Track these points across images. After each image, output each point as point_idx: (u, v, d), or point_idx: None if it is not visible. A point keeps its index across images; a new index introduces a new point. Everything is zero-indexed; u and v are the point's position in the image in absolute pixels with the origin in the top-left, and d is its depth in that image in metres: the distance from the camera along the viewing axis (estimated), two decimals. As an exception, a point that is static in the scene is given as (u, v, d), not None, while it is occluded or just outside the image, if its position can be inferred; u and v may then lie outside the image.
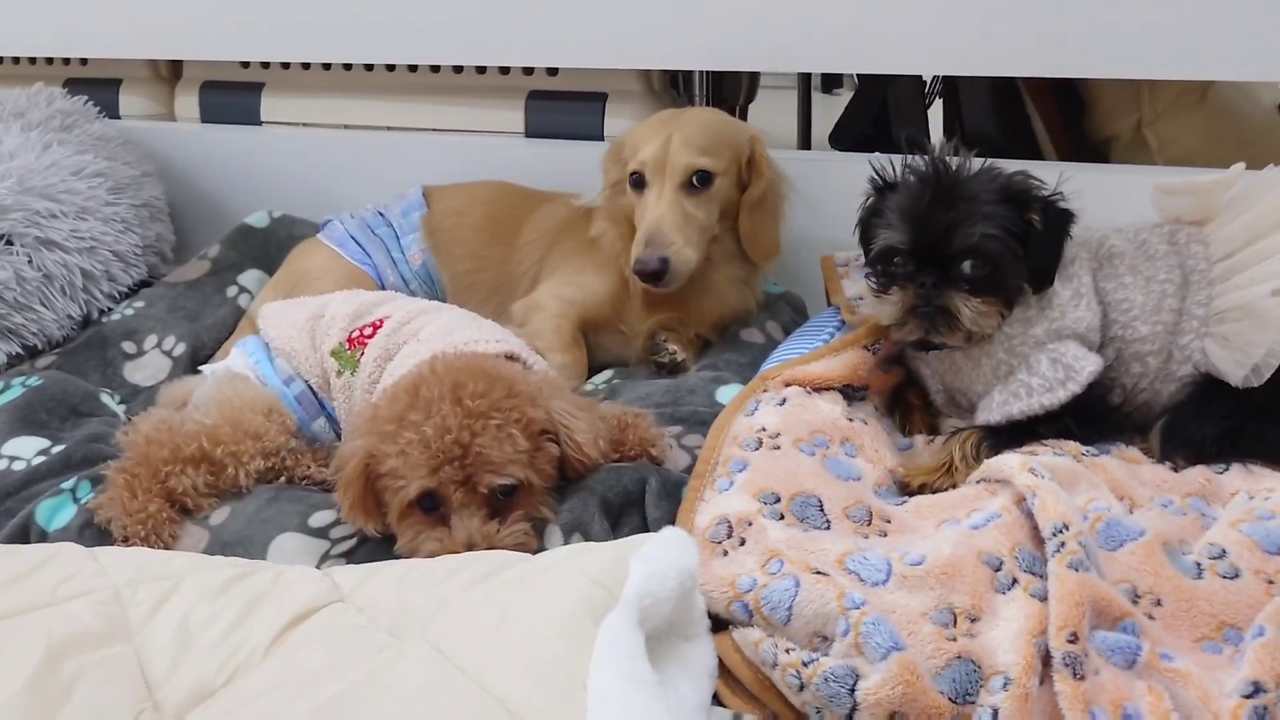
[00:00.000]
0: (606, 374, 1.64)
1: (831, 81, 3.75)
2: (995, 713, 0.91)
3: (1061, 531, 1.02)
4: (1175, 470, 1.24)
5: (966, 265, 1.26)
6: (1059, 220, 1.30)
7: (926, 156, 1.30)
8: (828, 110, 2.65)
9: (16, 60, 2.48)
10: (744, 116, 2.39)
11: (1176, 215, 1.36)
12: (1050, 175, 1.32)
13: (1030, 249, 1.27)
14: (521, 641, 0.88)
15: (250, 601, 1.01)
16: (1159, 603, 1.02)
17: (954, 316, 1.27)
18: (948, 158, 1.29)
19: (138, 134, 2.22)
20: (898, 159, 1.35)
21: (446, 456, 1.10)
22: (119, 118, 2.34)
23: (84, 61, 2.43)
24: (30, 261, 1.74)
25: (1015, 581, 1.02)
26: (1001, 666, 0.94)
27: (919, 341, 1.37)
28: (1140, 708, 0.90)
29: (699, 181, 1.55)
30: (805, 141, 2.67)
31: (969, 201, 1.26)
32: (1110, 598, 0.98)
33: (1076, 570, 0.98)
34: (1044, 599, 0.98)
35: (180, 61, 2.41)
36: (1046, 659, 0.94)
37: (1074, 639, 0.93)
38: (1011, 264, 1.27)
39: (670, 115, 1.62)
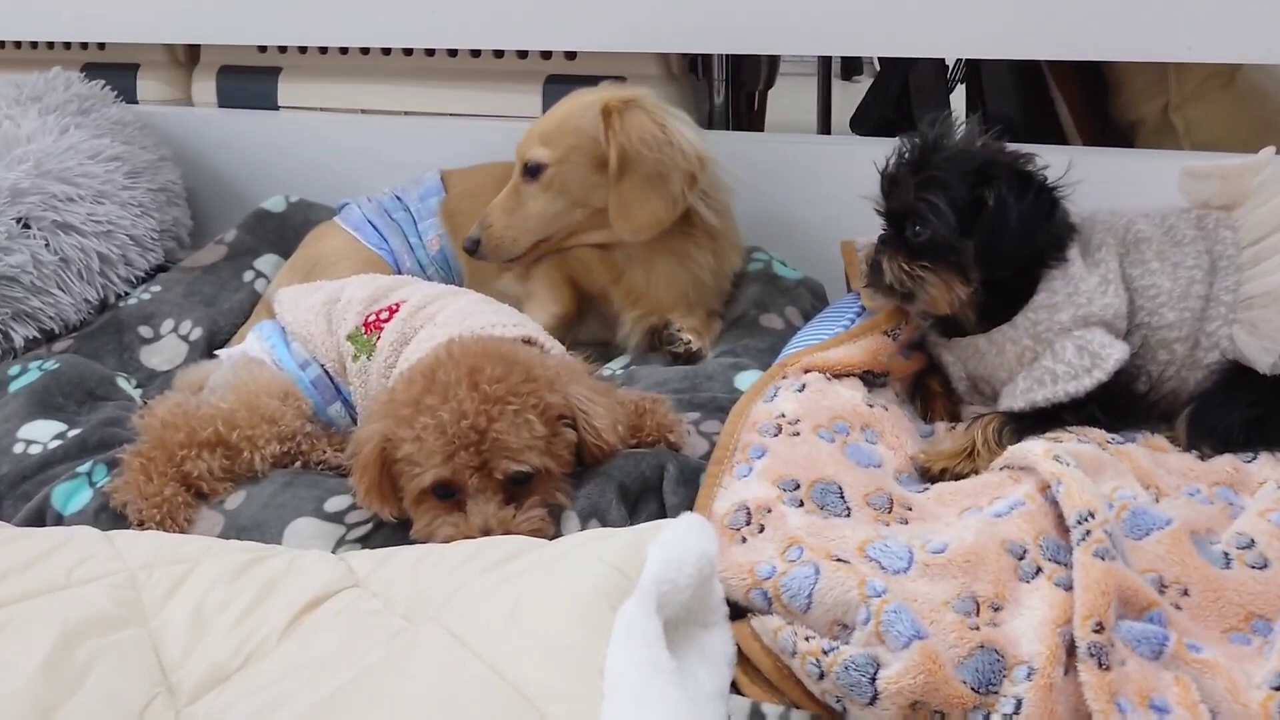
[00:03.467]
0: (623, 359, 1.63)
1: (851, 68, 3.72)
2: (1019, 703, 0.89)
3: (1087, 520, 1.00)
4: (1202, 459, 1.23)
5: (912, 229, 1.28)
6: (1034, 203, 1.26)
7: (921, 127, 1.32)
8: (847, 97, 2.62)
9: (35, 45, 2.48)
10: (763, 102, 2.38)
11: (1204, 200, 1.34)
12: (1061, 159, 1.31)
13: (980, 226, 1.26)
14: (538, 627, 0.87)
15: (265, 586, 1.00)
16: (1186, 593, 1.01)
17: (881, 273, 1.31)
18: (937, 128, 1.30)
19: (155, 118, 2.21)
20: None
21: (462, 442, 1.09)
22: (136, 103, 2.34)
23: (101, 46, 2.43)
24: (47, 245, 1.74)
25: (1039, 570, 1.00)
26: (1025, 656, 0.93)
27: (940, 325, 1.36)
28: (1167, 699, 0.89)
29: (532, 172, 1.57)
30: (825, 128, 2.64)
31: (932, 168, 1.27)
32: (1136, 587, 0.97)
33: (1102, 559, 0.96)
34: (1068, 588, 0.97)
35: (197, 46, 2.40)
36: (1071, 649, 0.92)
37: (1099, 629, 0.92)
38: (944, 234, 1.26)
39: (562, 100, 1.63)
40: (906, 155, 1.31)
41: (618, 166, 1.53)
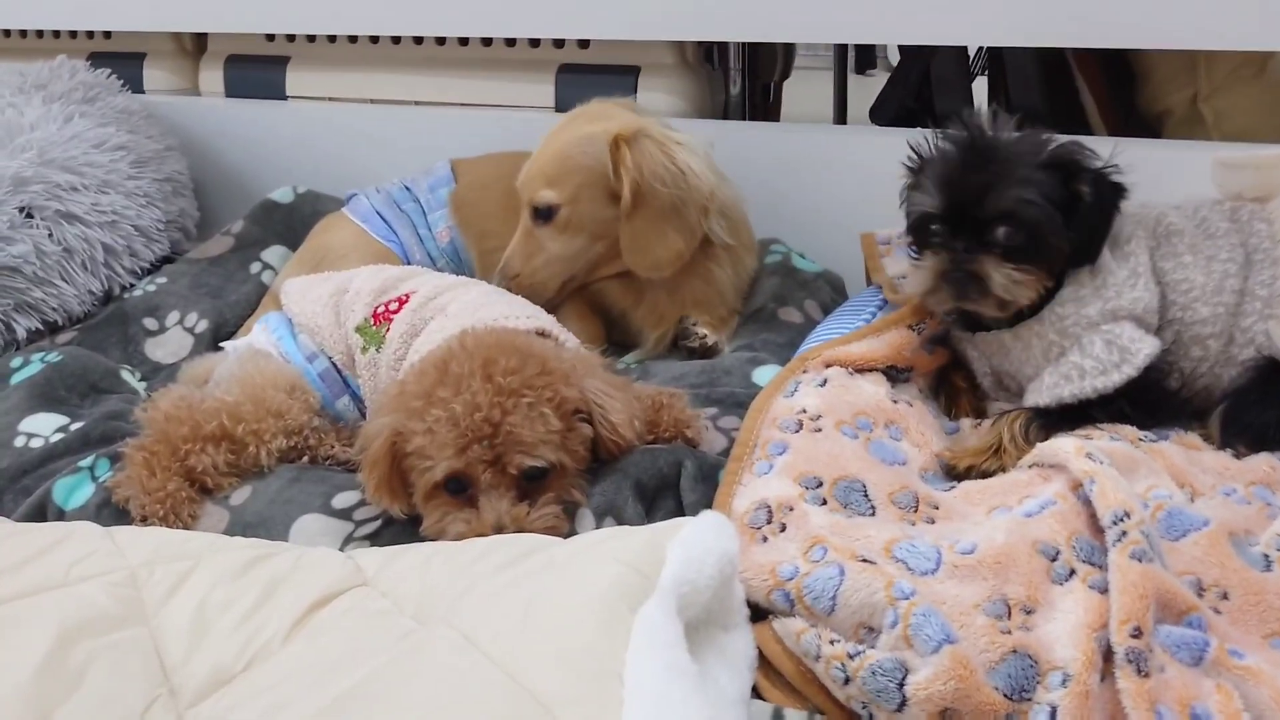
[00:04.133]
0: (637, 353, 1.60)
1: (865, 62, 3.68)
2: (1053, 711, 0.86)
3: (1122, 520, 0.96)
4: (1237, 457, 1.18)
5: (1001, 231, 1.21)
6: (1110, 194, 1.24)
7: (962, 123, 1.26)
8: (861, 90, 2.58)
9: (40, 34, 2.46)
10: (779, 94, 2.34)
11: (1238, 191, 1.30)
12: (1104, 148, 1.27)
13: (1076, 221, 1.22)
14: (552, 629, 0.84)
15: (270, 584, 0.97)
16: (1225, 596, 0.97)
17: (984, 283, 1.21)
18: (983, 123, 1.24)
19: (161, 108, 2.20)
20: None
21: (476, 435, 1.06)
22: (143, 92, 2.32)
23: (108, 35, 2.41)
24: (51, 235, 1.71)
25: (1073, 572, 0.97)
26: (1060, 662, 0.89)
27: (964, 319, 1.32)
28: (1209, 707, 0.85)
29: (543, 216, 1.53)
30: (841, 120, 2.60)
31: (1006, 165, 1.21)
32: (1175, 590, 0.93)
33: (1139, 561, 0.92)
34: (1104, 591, 0.93)
35: (205, 35, 2.38)
36: (1108, 655, 0.89)
37: (1138, 634, 0.88)
38: (1051, 233, 1.21)
39: (554, 130, 1.57)
40: (955, 156, 1.24)
41: (631, 203, 1.48)
